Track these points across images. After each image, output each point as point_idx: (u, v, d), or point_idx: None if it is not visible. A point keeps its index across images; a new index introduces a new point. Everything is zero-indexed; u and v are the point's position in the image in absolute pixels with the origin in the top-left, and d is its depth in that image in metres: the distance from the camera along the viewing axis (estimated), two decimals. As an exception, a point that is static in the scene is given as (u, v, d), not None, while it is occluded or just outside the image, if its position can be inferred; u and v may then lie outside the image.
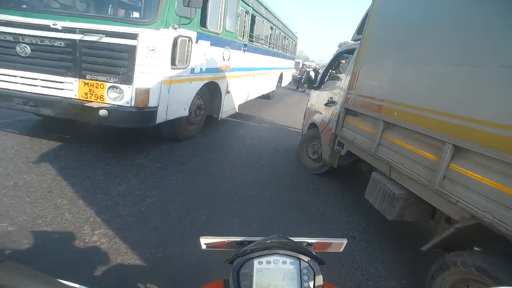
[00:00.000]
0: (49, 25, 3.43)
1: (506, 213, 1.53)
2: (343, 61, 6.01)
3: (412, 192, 2.34)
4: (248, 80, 7.56)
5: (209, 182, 3.73)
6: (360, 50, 3.43)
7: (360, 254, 2.72)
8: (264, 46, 8.71)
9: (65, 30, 3.45)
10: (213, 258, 2.25)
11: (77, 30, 3.44)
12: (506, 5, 1.79)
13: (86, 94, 3.59)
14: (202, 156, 4.60)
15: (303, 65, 26.30)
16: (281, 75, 12.68)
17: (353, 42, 4.39)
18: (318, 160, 4.63)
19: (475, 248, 1.89)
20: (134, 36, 3.43)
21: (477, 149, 1.74)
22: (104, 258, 2.19)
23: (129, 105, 3.58)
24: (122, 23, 3.50)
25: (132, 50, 3.46)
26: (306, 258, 0.69)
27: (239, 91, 6.93)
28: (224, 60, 5.49)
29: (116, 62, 3.52)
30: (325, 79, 4.99)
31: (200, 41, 4.44)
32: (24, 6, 3.70)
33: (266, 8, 8.26)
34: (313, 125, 4.80)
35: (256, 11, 7.22)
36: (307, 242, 0.79)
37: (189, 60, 4.21)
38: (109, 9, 4.47)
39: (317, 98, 4.92)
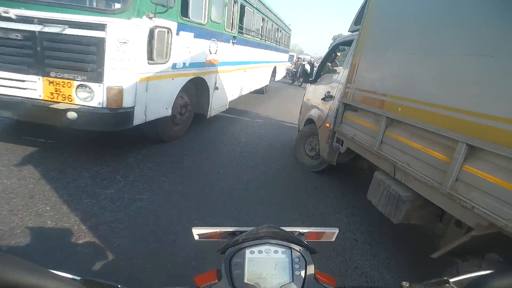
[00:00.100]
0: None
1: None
2: (339, 54, 5.86)
3: (419, 194, 2.18)
4: (239, 74, 7.19)
5: (202, 182, 3.57)
6: (359, 40, 3.23)
7: (364, 258, 2.58)
8: (255, 38, 8.31)
9: (20, 19, 3.02)
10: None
11: (35, 20, 3.02)
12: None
13: (52, 94, 3.22)
14: (194, 154, 4.42)
15: (298, 58, 26.05)
16: (275, 68, 12.39)
17: (350, 33, 4.21)
18: (316, 157, 4.47)
19: (494, 256, 1.74)
20: (101, 27, 3.04)
21: (495, 150, 1.58)
22: (88, 271, 2.04)
23: (101, 106, 3.22)
24: (87, 12, 3.10)
25: (100, 43, 3.07)
26: (297, 248, 0.70)
27: (229, 87, 6.58)
28: (210, 53, 5.11)
29: (84, 57, 3.14)
30: (322, 73, 4.82)
31: (181, 32, 4.02)
32: None
33: None
34: (310, 121, 4.62)
35: (246, 1, 6.85)
36: (298, 232, 0.80)
37: (170, 54, 3.83)
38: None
39: (314, 93, 4.75)
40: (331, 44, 5.42)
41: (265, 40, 9.75)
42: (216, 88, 5.66)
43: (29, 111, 3.23)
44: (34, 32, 3.07)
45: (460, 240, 1.73)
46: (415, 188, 2.20)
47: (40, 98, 3.25)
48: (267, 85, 11.82)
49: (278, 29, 11.69)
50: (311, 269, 0.65)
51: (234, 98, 7.30)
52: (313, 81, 4.82)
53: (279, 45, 12.34)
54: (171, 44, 3.80)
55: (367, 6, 3.15)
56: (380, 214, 2.70)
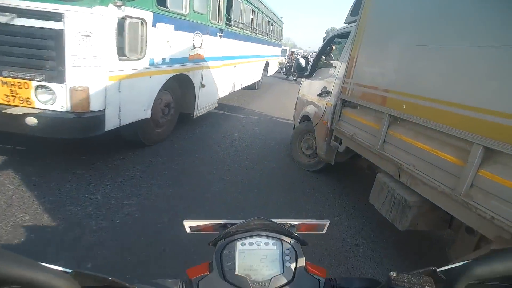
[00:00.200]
0: None
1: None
2: (334, 47, 5.67)
3: (427, 199, 2.01)
4: (228, 70, 6.78)
5: (194, 185, 3.39)
6: (358, 32, 3.02)
7: (367, 266, 2.41)
8: (245, 31, 7.86)
9: None
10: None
11: None
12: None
13: (7, 96, 2.77)
14: (186, 154, 4.22)
15: (291, 52, 25.75)
16: (267, 63, 12.07)
17: (346, 25, 4.02)
18: (313, 156, 4.29)
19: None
20: (58, 17, 2.58)
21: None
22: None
23: (64, 109, 2.80)
24: None
25: (58, 36, 2.62)
26: (288, 239, 0.70)
27: (218, 84, 6.16)
28: (194, 48, 4.63)
29: (40, 53, 2.69)
30: (317, 67, 4.63)
31: (158, 24, 3.57)
32: None
33: None
34: (305, 118, 4.43)
35: None
36: (289, 224, 0.80)
37: (145, 49, 3.39)
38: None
39: (309, 88, 4.56)
40: (325, 37, 5.23)
41: (256, 33, 9.39)
42: (203, 86, 5.26)
43: None
44: None
45: (476, 254, 1.57)
46: (423, 193, 2.03)
47: None
48: (259, 81, 11.52)
49: (269, 21, 11.34)
50: (301, 261, 0.65)
51: (223, 96, 6.92)
52: (308, 76, 4.62)
53: (271, 38, 12.04)
54: (146, 37, 3.37)
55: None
56: (381, 216, 2.55)
